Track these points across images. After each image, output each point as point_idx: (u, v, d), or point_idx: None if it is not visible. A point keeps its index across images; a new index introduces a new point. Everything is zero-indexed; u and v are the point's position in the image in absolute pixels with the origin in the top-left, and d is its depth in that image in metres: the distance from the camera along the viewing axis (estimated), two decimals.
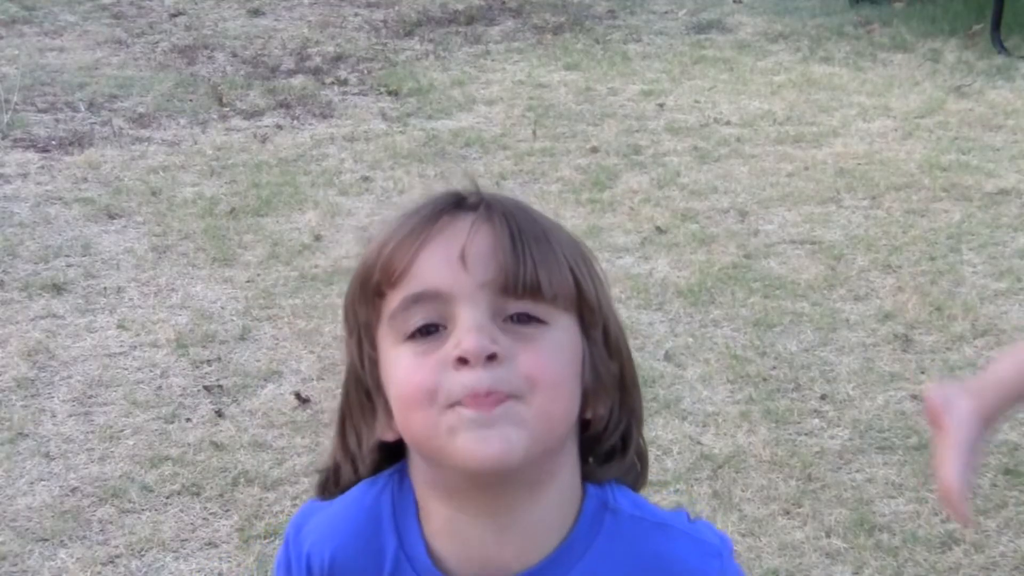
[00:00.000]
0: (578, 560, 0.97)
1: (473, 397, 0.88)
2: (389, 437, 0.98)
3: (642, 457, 1.05)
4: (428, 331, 0.91)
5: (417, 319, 0.91)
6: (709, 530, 1.04)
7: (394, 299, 0.92)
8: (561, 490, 0.98)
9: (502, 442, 0.88)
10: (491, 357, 0.88)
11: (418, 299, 0.91)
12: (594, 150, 4.91)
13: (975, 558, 2.48)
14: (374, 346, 0.96)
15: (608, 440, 1.00)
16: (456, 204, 0.94)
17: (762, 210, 4.30)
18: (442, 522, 0.98)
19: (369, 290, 0.95)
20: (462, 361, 0.89)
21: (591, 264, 0.97)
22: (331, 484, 1.04)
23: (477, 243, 0.90)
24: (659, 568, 0.99)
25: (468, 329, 0.88)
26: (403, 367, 0.92)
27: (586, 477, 1.00)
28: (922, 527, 2.57)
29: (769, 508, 2.63)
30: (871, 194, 4.43)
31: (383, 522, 1.00)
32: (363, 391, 0.99)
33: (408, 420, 0.93)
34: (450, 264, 0.89)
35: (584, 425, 0.99)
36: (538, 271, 0.90)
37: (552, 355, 0.91)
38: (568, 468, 0.98)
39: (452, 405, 0.89)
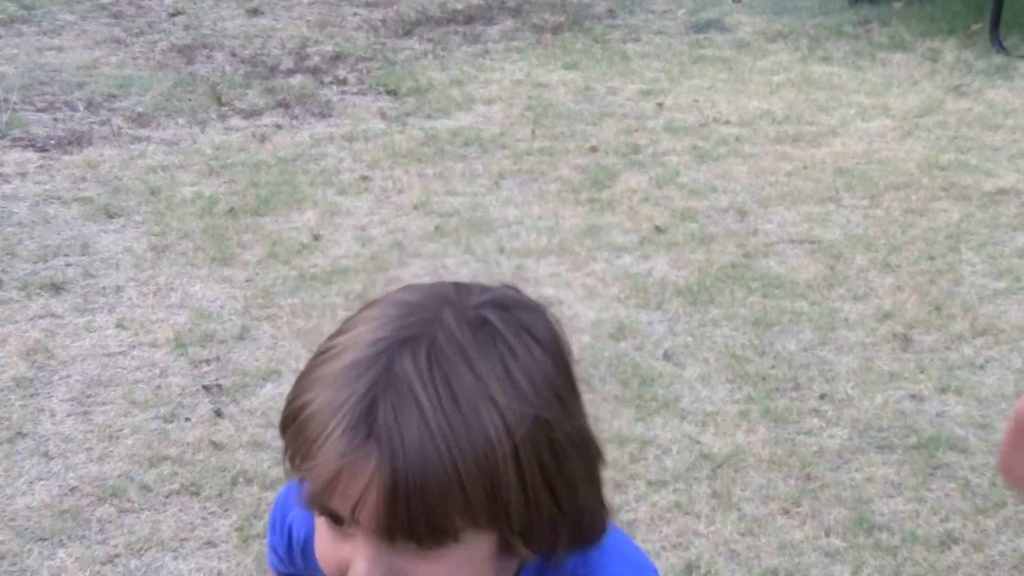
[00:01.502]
0: None
1: None
2: None
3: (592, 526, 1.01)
4: (337, 519, 0.90)
5: (322, 513, 0.91)
6: None
7: (300, 479, 0.91)
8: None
9: None
10: None
11: (319, 506, 0.90)
12: (593, 149, 4.91)
13: (974, 557, 2.48)
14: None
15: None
16: (368, 413, 0.86)
17: (761, 209, 4.30)
18: None
19: (286, 445, 0.93)
20: None
21: (522, 462, 0.88)
22: None
23: (369, 500, 0.85)
24: None
25: (360, 570, 0.89)
26: (319, 537, 0.94)
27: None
28: (921, 526, 2.57)
29: (768, 507, 2.63)
30: (870, 193, 4.44)
31: None
32: None
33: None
34: (346, 507, 0.87)
35: None
36: (419, 528, 0.86)
37: (449, 572, 0.90)
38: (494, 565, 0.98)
39: None
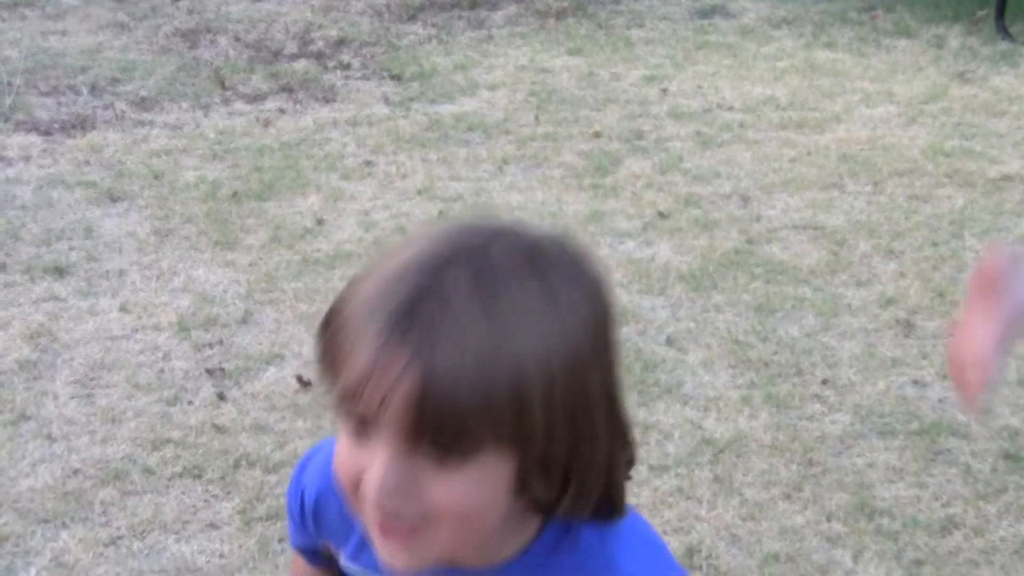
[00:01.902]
0: (531, 572, 0.99)
1: (378, 523, 0.90)
2: None
3: (607, 498, 0.99)
4: (359, 427, 0.90)
5: (347, 416, 0.90)
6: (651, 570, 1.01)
7: (332, 386, 0.90)
8: (503, 529, 0.97)
9: (405, 561, 0.91)
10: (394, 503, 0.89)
11: (346, 404, 0.89)
12: (597, 135, 4.90)
13: (975, 542, 2.48)
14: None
15: (553, 504, 0.97)
16: (409, 310, 0.86)
17: (764, 195, 4.28)
18: None
19: (321, 351, 0.92)
20: None
21: (555, 386, 0.88)
22: None
23: (400, 391, 0.84)
24: None
25: (376, 475, 0.88)
26: (340, 446, 0.93)
27: (546, 512, 0.98)
28: (922, 512, 2.57)
29: (770, 492, 2.63)
30: (874, 180, 4.42)
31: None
32: None
33: (341, 491, 0.95)
34: (373, 402, 0.86)
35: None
36: (446, 427, 0.85)
37: (462, 494, 0.88)
38: (510, 517, 0.97)
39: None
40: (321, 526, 1.11)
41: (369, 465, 0.88)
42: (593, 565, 0.99)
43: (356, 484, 0.91)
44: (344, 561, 1.11)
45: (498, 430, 0.86)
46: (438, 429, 0.85)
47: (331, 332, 0.91)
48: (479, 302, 0.86)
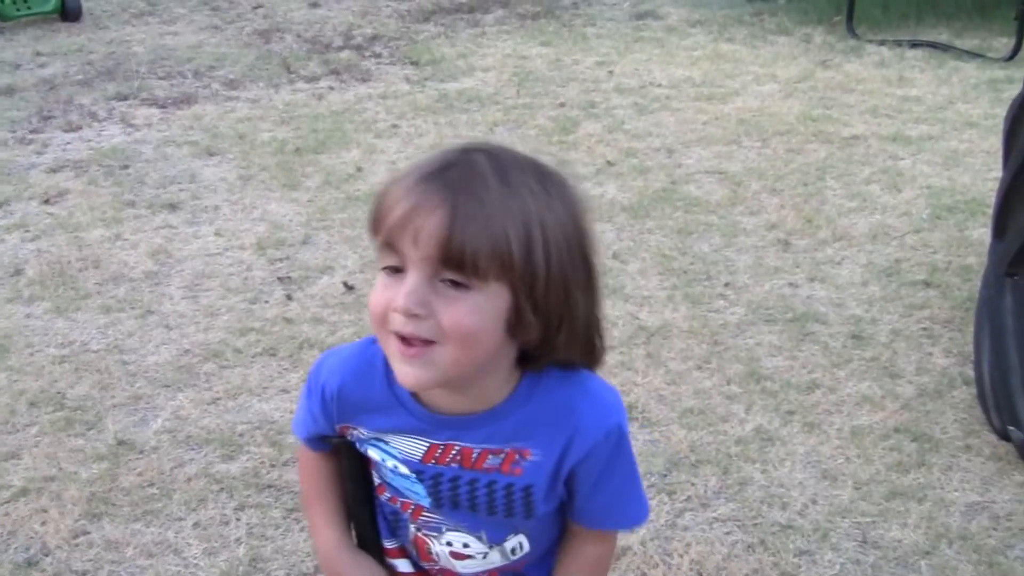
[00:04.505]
0: (517, 409, 0.95)
1: (399, 336, 0.87)
2: None
3: (587, 352, 0.96)
4: (394, 270, 0.87)
5: (386, 261, 0.87)
6: (610, 393, 0.99)
7: (378, 238, 0.88)
8: (498, 375, 0.94)
9: (416, 377, 0.88)
10: (415, 314, 0.85)
11: (387, 249, 0.87)
12: (561, 105, 4.75)
13: (830, 397, 2.44)
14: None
15: (540, 351, 0.93)
16: (441, 171, 0.85)
17: (684, 149, 4.16)
18: None
19: (370, 219, 0.90)
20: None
21: (549, 244, 0.85)
22: None
23: (429, 225, 0.82)
24: (569, 420, 0.95)
25: (405, 291, 0.85)
26: (376, 289, 0.89)
27: (527, 363, 0.95)
28: (794, 376, 2.52)
29: (687, 364, 2.57)
30: (762, 138, 4.30)
31: (377, 370, 0.99)
32: None
33: (373, 326, 0.91)
34: (407, 237, 0.84)
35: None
36: (465, 255, 0.82)
37: (467, 315, 0.84)
38: (503, 364, 0.93)
39: (392, 332, 0.88)
40: (344, 409, 1.03)
41: (401, 289, 0.85)
42: (564, 393, 0.96)
43: (383, 317, 0.87)
44: (363, 433, 1.03)
45: (501, 268, 0.83)
46: (456, 259, 0.82)
47: (376, 202, 0.88)
48: (495, 175, 0.85)
